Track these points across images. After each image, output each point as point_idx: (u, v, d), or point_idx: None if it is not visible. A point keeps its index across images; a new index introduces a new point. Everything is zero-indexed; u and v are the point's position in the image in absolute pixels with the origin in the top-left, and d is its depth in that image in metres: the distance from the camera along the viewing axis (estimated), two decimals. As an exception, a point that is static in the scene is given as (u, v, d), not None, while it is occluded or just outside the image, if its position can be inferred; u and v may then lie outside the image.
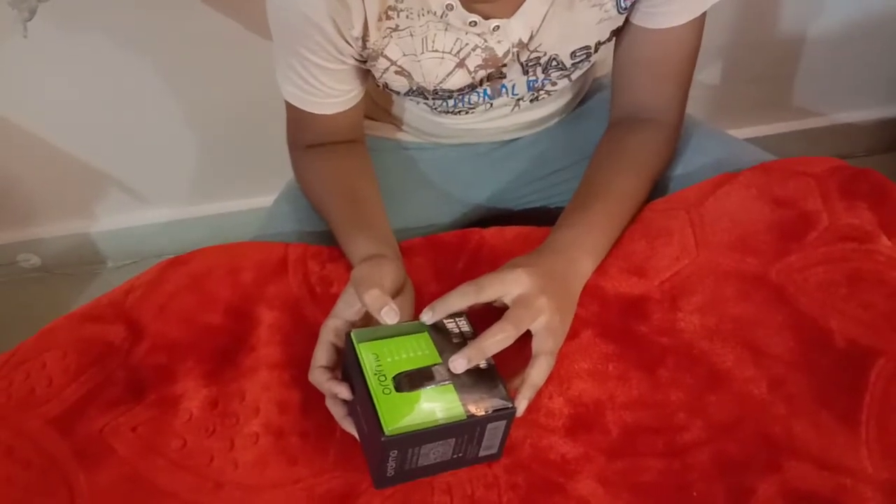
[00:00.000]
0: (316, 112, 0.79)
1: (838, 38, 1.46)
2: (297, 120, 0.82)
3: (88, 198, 1.54)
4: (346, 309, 0.65)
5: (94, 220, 1.58)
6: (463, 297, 0.62)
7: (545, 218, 0.81)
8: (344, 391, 0.60)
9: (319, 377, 0.62)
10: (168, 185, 1.53)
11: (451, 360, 0.58)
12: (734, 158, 0.82)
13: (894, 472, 0.57)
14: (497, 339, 0.59)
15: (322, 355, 0.63)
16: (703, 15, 0.74)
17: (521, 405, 0.60)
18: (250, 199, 1.54)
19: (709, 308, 0.69)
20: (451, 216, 0.94)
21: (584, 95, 0.97)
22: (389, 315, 0.60)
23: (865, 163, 0.82)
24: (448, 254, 0.77)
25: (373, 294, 0.61)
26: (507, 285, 0.63)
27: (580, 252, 0.70)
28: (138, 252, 1.62)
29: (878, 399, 0.61)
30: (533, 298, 0.62)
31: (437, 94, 0.78)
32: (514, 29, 0.72)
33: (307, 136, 0.83)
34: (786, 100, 1.58)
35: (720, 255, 0.72)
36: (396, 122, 0.95)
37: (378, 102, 0.94)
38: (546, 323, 0.62)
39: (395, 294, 0.66)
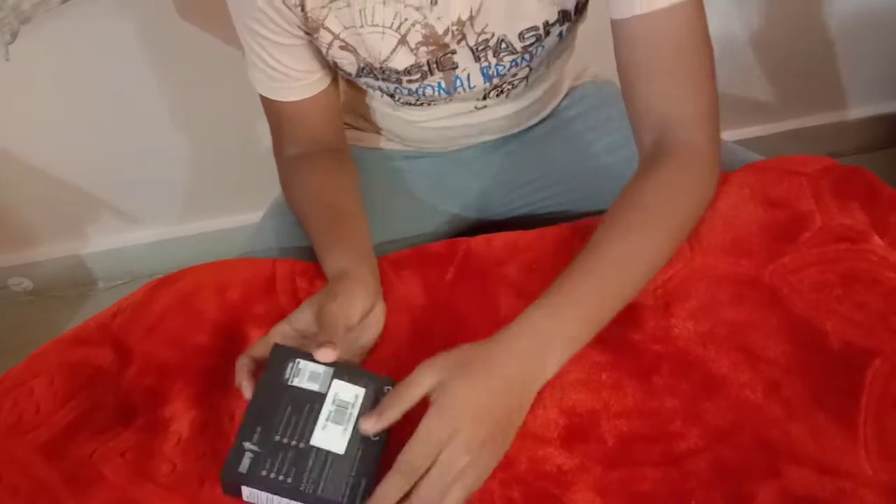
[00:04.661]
0: (282, 99, 0.80)
1: (826, 37, 1.46)
2: (275, 122, 0.83)
3: (78, 219, 1.53)
4: (300, 318, 0.65)
5: (84, 242, 1.57)
6: (395, 491, 0.54)
7: (533, 225, 0.80)
8: (248, 391, 0.59)
9: (244, 362, 0.61)
10: (157, 204, 1.52)
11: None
12: (726, 160, 0.81)
13: (894, 475, 0.56)
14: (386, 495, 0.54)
15: (259, 348, 0.63)
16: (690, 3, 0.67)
17: None
18: (241, 215, 1.53)
19: (703, 313, 0.68)
20: (438, 226, 0.93)
21: (562, 102, 0.96)
22: (324, 354, 0.59)
23: (854, 161, 0.81)
24: (436, 265, 0.77)
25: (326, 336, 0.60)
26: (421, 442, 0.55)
27: (549, 345, 0.60)
28: (130, 272, 1.61)
29: (875, 400, 0.60)
30: (441, 437, 0.54)
31: (385, 73, 0.77)
32: (454, 4, 0.71)
33: (288, 140, 0.83)
34: (774, 100, 1.57)
35: (714, 258, 0.72)
36: (376, 130, 0.95)
37: (357, 110, 0.94)
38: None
39: (364, 316, 0.67)
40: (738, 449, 0.59)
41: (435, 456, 0.54)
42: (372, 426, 0.57)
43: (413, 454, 0.54)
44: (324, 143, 0.84)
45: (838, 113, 1.61)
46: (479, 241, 0.78)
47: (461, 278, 0.75)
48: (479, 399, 0.56)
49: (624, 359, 0.65)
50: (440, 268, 0.76)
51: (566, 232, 0.77)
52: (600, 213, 0.79)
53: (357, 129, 0.96)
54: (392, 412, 0.57)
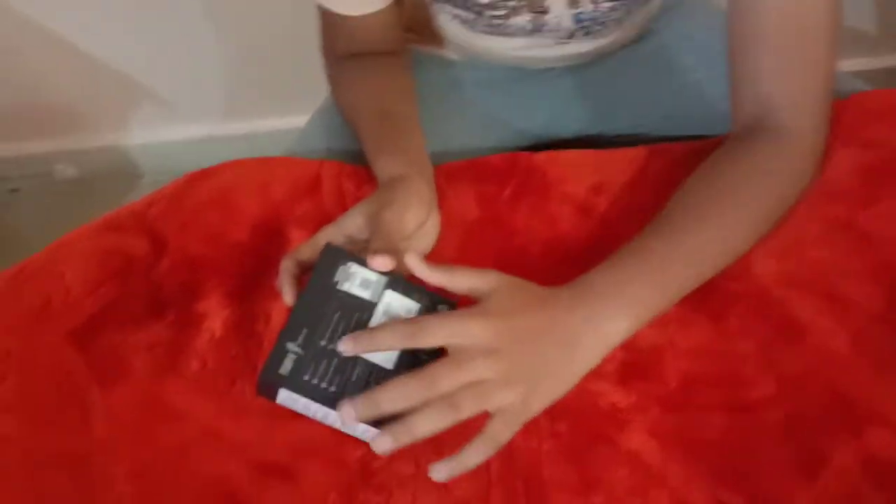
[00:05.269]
0: (343, 12, 0.73)
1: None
2: (328, 26, 0.76)
3: (123, 109, 1.50)
4: (350, 223, 0.60)
5: (128, 133, 1.55)
6: (392, 337, 0.50)
7: (604, 146, 0.74)
8: (288, 296, 0.56)
9: (288, 265, 0.57)
10: (202, 99, 1.49)
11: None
12: (838, 89, 0.73)
13: None
14: (395, 393, 0.48)
15: (305, 251, 0.58)
16: None
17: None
18: (289, 118, 1.48)
19: (787, 251, 0.61)
20: (499, 141, 0.87)
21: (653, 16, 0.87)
22: (381, 262, 0.54)
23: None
24: (494, 179, 0.71)
25: (380, 241, 0.56)
26: (459, 330, 0.50)
27: (615, 306, 0.54)
28: (173, 168, 1.57)
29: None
30: (473, 356, 0.49)
31: (467, 4, 0.70)
32: None
33: (341, 45, 0.77)
34: (882, 32, 1.44)
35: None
36: (439, 40, 0.88)
37: (420, 20, 0.87)
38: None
39: (419, 226, 0.62)
40: (816, 403, 0.54)
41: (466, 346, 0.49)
42: (415, 265, 0.53)
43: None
44: (380, 48, 0.78)
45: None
46: (542, 156, 0.72)
47: (520, 194, 0.69)
48: (527, 320, 0.52)
49: (696, 294, 0.59)
50: (498, 182, 0.71)
51: (642, 154, 0.71)
52: (682, 139, 0.72)
53: (414, 31, 0.89)
54: (438, 273, 0.53)
